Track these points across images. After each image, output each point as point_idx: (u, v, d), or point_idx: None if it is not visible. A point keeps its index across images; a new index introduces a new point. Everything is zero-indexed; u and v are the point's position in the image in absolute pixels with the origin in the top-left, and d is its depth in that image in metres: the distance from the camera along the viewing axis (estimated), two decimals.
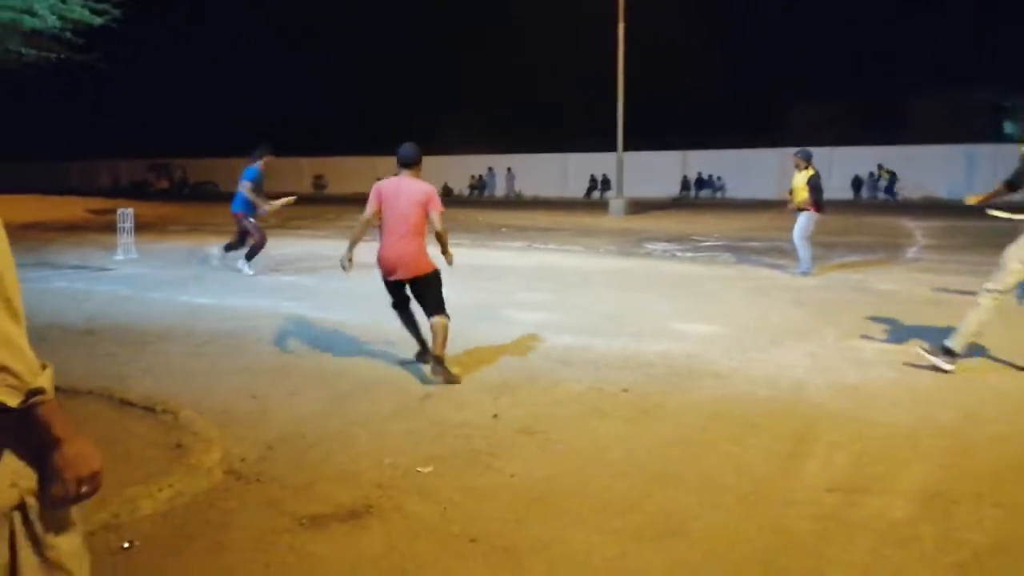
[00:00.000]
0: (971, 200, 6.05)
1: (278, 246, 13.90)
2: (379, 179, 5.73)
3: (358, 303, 8.17)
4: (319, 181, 44.60)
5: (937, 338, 5.48)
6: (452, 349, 5.53)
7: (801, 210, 10.10)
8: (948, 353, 5.15)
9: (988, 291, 5.12)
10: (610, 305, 8.00)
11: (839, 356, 5.72)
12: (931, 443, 3.90)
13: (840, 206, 23.55)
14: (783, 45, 40.28)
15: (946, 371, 5.08)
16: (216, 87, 50.07)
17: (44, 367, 1.33)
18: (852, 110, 38.10)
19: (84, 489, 1.37)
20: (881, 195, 31.12)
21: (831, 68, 39.91)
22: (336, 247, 11.62)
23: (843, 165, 31.31)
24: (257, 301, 8.31)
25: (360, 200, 12.38)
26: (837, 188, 29.71)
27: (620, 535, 2.92)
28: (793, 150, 10.59)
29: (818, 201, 10.04)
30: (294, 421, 4.30)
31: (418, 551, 2.80)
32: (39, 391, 1.30)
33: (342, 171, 43.87)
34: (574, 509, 3.16)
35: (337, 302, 8.27)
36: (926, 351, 5.32)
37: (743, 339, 6.33)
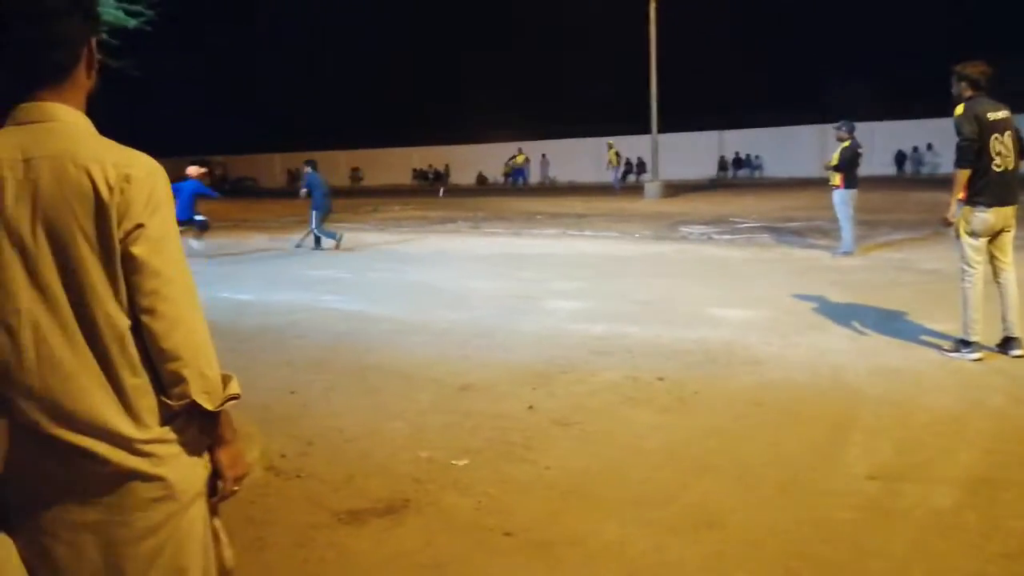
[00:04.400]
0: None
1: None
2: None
3: (396, 295, 8.26)
4: (356, 174, 44.99)
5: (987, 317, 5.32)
6: (491, 340, 5.59)
7: (833, 186, 9.94)
8: (965, 344, 5.00)
9: (963, 273, 5.02)
10: (646, 292, 7.94)
11: (882, 340, 5.60)
12: (977, 428, 3.80)
13: (883, 182, 23.01)
14: (823, 15, 39.25)
15: (974, 360, 4.92)
16: (252, 85, 50.74)
17: (228, 377, 1.42)
18: (896, 83, 37.03)
19: (236, 488, 1.50)
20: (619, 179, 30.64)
21: (875, 38, 38.80)
22: (374, 239, 11.78)
23: (886, 140, 30.55)
24: (297, 295, 8.44)
25: (395, 191, 12.39)
26: (879, 164, 29.04)
27: (656, 527, 2.91)
28: (837, 124, 10.30)
29: (846, 176, 9.82)
30: (332, 416, 4.37)
31: (453, 546, 2.83)
32: (234, 397, 1.42)
33: (378, 163, 44.25)
34: (610, 501, 3.16)
35: (375, 294, 8.35)
36: (946, 350, 5.15)
37: (782, 323, 6.24)
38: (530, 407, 4.40)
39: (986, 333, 5.03)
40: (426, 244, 11.57)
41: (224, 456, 1.46)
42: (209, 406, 1.36)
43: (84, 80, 1.45)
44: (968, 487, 3.15)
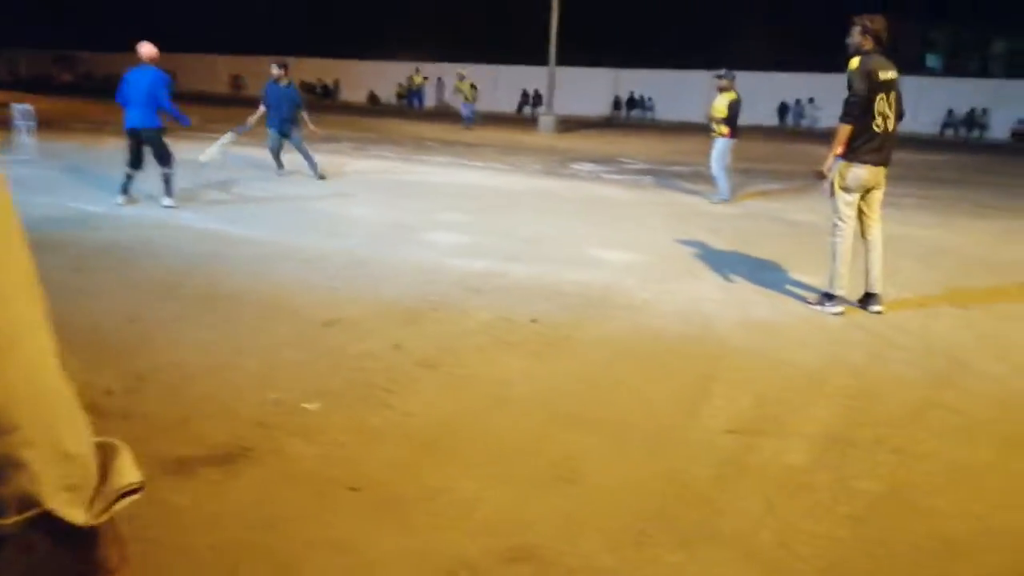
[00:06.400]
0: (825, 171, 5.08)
1: (184, 151, 13.03)
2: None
3: (264, 216, 7.72)
4: (237, 81, 42.25)
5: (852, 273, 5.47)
6: (364, 271, 5.29)
7: (719, 135, 10.00)
8: (829, 298, 5.15)
9: (834, 228, 5.14)
10: (530, 229, 7.78)
11: (752, 290, 5.69)
12: (836, 384, 3.88)
13: (764, 132, 23.75)
14: None
15: (836, 314, 5.07)
16: None
17: (109, 449, 0.73)
18: (784, 35, 37.98)
19: None
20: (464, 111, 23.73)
21: None
22: (252, 153, 10.98)
23: (771, 91, 31.49)
24: (155, 211, 7.74)
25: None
26: (762, 114, 29.97)
27: (514, 482, 2.77)
28: (719, 72, 10.31)
29: (734, 127, 9.95)
30: (174, 349, 3.97)
31: (291, 500, 2.58)
32: (131, 491, 0.76)
33: (261, 71, 41.57)
34: (470, 453, 3.00)
35: (240, 214, 7.78)
36: (810, 302, 5.29)
37: (659, 269, 6.24)
38: (396, 346, 4.16)
39: (849, 288, 5.18)
40: (303, 163, 10.89)
41: None
42: (80, 518, 0.74)
43: None
44: (821, 444, 3.18)
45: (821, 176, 5.14)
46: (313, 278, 5.50)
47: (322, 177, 10.63)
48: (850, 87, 4.91)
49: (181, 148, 9.88)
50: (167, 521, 2.43)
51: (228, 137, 10.10)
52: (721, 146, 9.99)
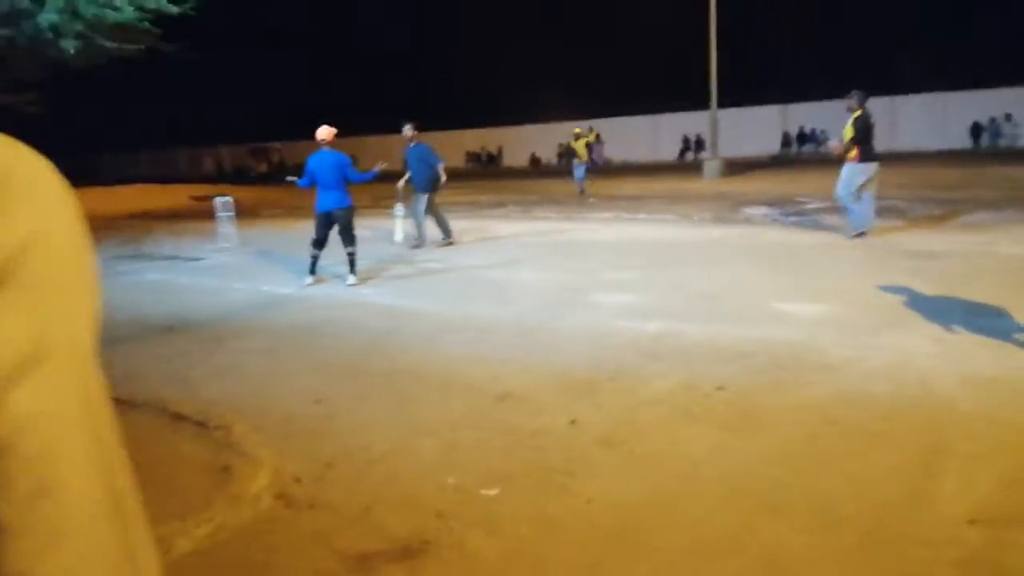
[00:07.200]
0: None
1: (359, 228, 13.83)
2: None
3: (438, 287, 7.89)
4: None
5: None
6: (534, 339, 5.20)
7: (847, 159, 9.34)
8: None
9: None
10: (704, 283, 7.39)
11: (972, 341, 4.97)
12: None
13: (958, 156, 21.64)
14: None
15: None
16: (305, 71, 51.07)
17: None
18: (969, 50, 34.87)
19: None
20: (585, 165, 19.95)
21: (943, 5, 36.54)
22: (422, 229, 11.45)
23: (960, 111, 28.82)
24: (337, 289, 8.16)
25: (459, 173, 11.95)
26: (953, 137, 27.47)
27: None
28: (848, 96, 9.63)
29: (862, 148, 9.18)
30: (359, 430, 4.02)
31: None
32: None
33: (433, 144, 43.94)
34: (661, 548, 2.72)
35: (417, 287, 8.01)
36: None
37: (856, 321, 5.64)
38: (572, 422, 3.97)
39: None
40: (473, 230, 11.19)
41: None
42: None
43: None
44: None
45: None
46: (483, 349, 5.48)
47: (451, 243, 10.75)
48: None
49: (357, 225, 10.48)
50: None
51: (401, 211, 10.59)
52: (845, 173, 9.31)
